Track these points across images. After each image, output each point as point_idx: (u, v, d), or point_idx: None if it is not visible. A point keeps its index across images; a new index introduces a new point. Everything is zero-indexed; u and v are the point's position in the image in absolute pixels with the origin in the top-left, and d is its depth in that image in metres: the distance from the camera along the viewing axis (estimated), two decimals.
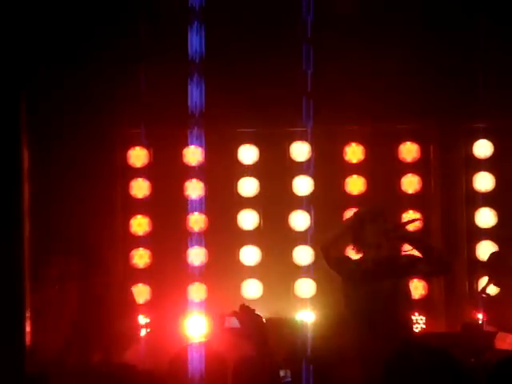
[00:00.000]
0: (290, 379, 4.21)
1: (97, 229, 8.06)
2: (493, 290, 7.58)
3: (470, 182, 8.56)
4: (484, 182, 8.51)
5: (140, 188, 8.61)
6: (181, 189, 8.59)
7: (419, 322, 8.31)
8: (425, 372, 2.92)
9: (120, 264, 8.48)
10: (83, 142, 8.20)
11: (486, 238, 8.47)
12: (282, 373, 4.22)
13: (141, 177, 8.62)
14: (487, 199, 8.52)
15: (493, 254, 7.85)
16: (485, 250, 8.33)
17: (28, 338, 6.49)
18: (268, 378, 3.37)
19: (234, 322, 4.07)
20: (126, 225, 8.59)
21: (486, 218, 8.50)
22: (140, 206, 8.61)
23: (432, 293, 8.49)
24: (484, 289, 7.65)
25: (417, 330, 8.27)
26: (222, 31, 8.06)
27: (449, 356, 3.04)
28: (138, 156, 8.63)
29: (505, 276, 7.45)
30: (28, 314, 6.47)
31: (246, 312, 4.02)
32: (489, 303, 7.52)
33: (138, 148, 8.63)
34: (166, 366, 4.30)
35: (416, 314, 8.30)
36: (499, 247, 8.32)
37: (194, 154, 8.61)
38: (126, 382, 3.69)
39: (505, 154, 8.48)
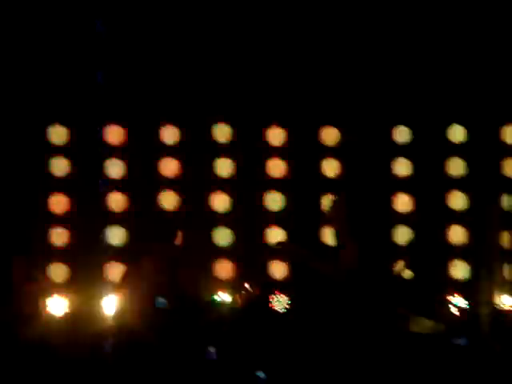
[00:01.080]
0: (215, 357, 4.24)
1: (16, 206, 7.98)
2: (408, 274, 7.73)
3: None
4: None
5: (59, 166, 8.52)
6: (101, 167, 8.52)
7: None
8: None
9: (37, 242, 8.38)
10: None
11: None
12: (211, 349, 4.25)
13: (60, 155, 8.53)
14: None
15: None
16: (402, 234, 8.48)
17: None
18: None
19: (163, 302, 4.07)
20: (45, 204, 8.48)
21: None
22: (59, 184, 8.51)
23: None
24: (400, 273, 7.80)
25: None
26: None
27: None
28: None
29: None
30: None
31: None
32: (403, 287, 7.65)
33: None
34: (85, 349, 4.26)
35: None
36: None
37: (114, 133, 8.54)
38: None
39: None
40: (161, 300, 4.26)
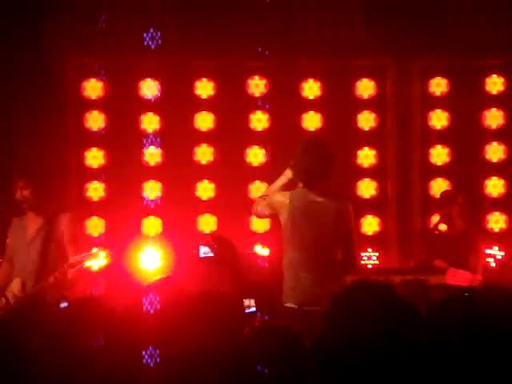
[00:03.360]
0: (254, 309, 4.21)
1: (49, 160, 7.97)
2: (444, 226, 7.70)
3: (425, 119, 8.61)
4: (439, 119, 8.56)
5: (95, 120, 8.52)
6: (136, 122, 8.52)
7: (372, 258, 8.41)
8: (367, 307, 2.93)
9: (74, 197, 8.42)
10: (32, 73, 8.06)
11: (440, 176, 8.55)
12: (246, 302, 4.21)
13: (96, 109, 8.51)
14: (442, 137, 8.58)
15: (444, 192, 7.95)
16: (438, 187, 8.43)
17: None
18: (232, 310, 3.36)
19: (207, 251, 4.05)
20: (81, 157, 8.51)
21: (440, 155, 8.57)
22: (95, 139, 8.52)
23: (385, 229, 8.58)
24: (436, 226, 7.78)
25: (370, 266, 8.39)
26: None
27: (391, 291, 3.05)
28: (93, 87, 8.50)
29: (455, 214, 7.55)
30: None
31: (219, 240, 4.01)
32: (440, 240, 7.65)
33: (92, 79, 8.50)
34: (128, 301, 4.22)
35: (369, 249, 8.41)
36: (451, 185, 8.42)
37: (150, 87, 8.51)
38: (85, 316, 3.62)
39: (460, 91, 8.52)
40: (205, 249, 4.24)
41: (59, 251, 6.36)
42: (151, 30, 8.11)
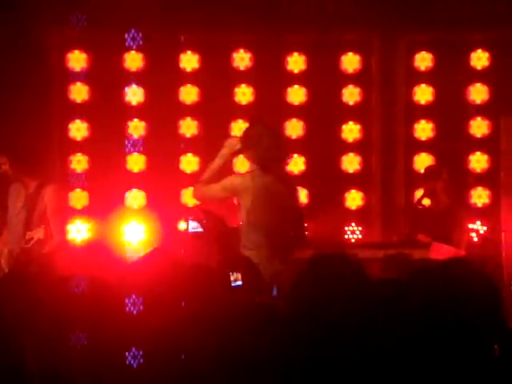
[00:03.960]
0: (240, 283, 4.24)
1: (32, 133, 7.91)
2: (428, 201, 7.74)
3: (410, 94, 8.61)
4: (424, 94, 8.56)
5: (79, 92, 8.46)
6: (121, 94, 8.47)
7: (356, 233, 8.44)
8: (333, 282, 2.92)
9: (57, 169, 8.38)
10: (15, 45, 7.99)
11: (424, 151, 8.57)
12: (232, 276, 4.24)
13: (80, 81, 8.46)
14: (426, 112, 8.59)
15: (428, 167, 7.97)
16: (422, 162, 8.45)
17: None
18: (218, 283, 3.36)
19: (196, 226, 4.04)
20: (64, 129, 8.47)
21: (424, 130, 8.58)
22: (79, 111, 8.47)
23: (369, 204, 8.61)
24: (419, 200, 7.82)
25: (353, 240, 8.43)
26: None
27: (356, 265, 3.05)
28: (76, 59, 8.44)
29: (439, 188, 7.59)
30: None
31: (208, 214, 3.99)
32: (424, 214, 7.68)
33: (76, 51, 8.43)
34: (115, 275, 4.20)
35: (353, 224, 8.44)
36: (435, 160, 8.44)
37: (134, 59, 8.46)
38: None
39: (445, 66, 8.52)
40: (193, 224, 4.23)
41: (42, 223, 6.36)
42: (136, 2, 8.05)
